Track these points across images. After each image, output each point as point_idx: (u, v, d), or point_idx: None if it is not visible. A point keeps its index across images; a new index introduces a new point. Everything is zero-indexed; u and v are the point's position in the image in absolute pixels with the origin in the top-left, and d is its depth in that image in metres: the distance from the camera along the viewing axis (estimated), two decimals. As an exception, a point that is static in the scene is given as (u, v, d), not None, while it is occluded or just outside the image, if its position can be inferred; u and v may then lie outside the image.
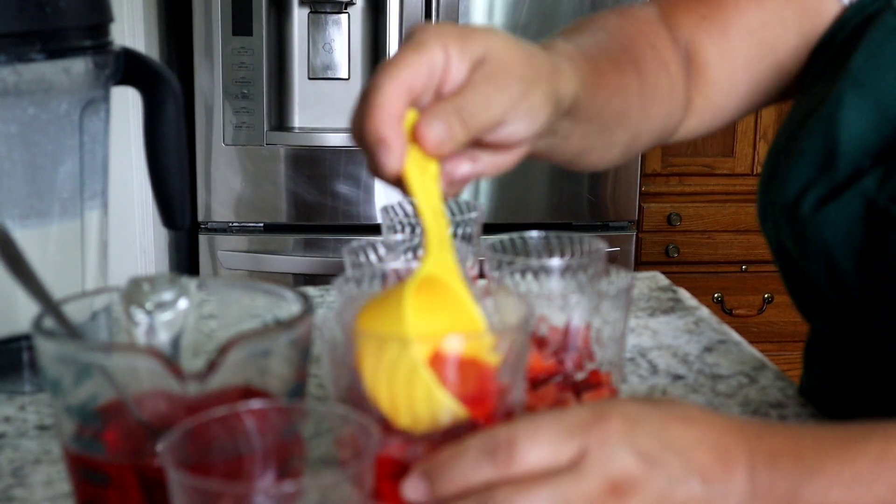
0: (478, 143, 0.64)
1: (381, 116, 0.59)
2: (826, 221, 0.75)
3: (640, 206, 2.42)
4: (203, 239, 2.30)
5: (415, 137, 0.60)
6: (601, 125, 0.77)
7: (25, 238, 0.78)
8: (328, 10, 2.28)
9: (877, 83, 0.76)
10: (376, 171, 0.60)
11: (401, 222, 0.92)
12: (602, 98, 0.75)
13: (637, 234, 2.44)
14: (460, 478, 0.52)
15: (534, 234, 0.85)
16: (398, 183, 0.61)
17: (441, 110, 0.60)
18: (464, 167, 0.64)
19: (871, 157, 0.74)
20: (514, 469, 0.52)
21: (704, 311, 1.06)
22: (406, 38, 0.63)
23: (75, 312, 0.63)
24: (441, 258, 0.61)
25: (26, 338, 0.82)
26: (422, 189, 0.61)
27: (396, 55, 0.62)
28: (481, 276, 0.85)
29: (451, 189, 0.64)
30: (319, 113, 2.35)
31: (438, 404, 0.56)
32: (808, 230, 0.77)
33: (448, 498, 0.52)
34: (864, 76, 0.76)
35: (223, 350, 0.56)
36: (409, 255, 0.87)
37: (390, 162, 0.59)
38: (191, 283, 0.65)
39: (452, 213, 0.94)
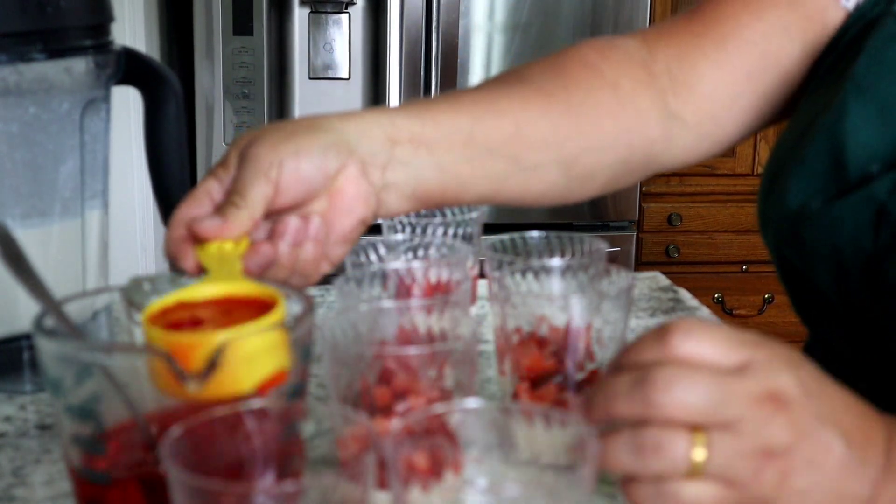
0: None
1: (169, 244, 0.68)
2: (834, 224, 0.75)
3: (640, 206, 2.42)
4: (203, 238, 2.30)
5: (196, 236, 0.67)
6: (488, 150, 0.77)
7: (26, 237, 0.78)
8: (329, 10, 2.28)
9: (880, 89, 0.76)
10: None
11: (401, 222, 0.92)
12: (463, 123, 0.76)
13: (637, 235, 2.44)
14: (628, 357, 0.55)
15: (534, 234, 0.85)
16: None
17: (215, 212, 0.68)
18: (292, 225, 0.69)
19: (879, 161, 0.74)
20: (681, 351, 0.53)
21: (705, 312, 1.06)
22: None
23: (76, 312, 0.63)
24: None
25: (27, 337, 0.82)
26: (219, 268, 0.66)
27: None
28: (482, 276, 0.86)
29: (311, 264, 0.70)
30: (320, 113, 2.35)
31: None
32: (815, 233, 0.76)
33: (613, 376, 0.54)
34: (868, 82, 0.76)
35: (223, 350, 0.56)
36: (410, 254, 0.87)
37: (186, 265, 0.67)
38: (191, 282, 0.65)
39: (453, 213, 0.94)
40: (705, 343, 0.53)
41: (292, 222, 0.69)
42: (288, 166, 0.68)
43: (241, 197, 0.68)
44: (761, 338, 0.56)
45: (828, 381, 0.57)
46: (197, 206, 0.69)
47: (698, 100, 0.86)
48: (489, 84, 0.83)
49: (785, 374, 0.54)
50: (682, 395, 0.51)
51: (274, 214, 0.70)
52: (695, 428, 0.52)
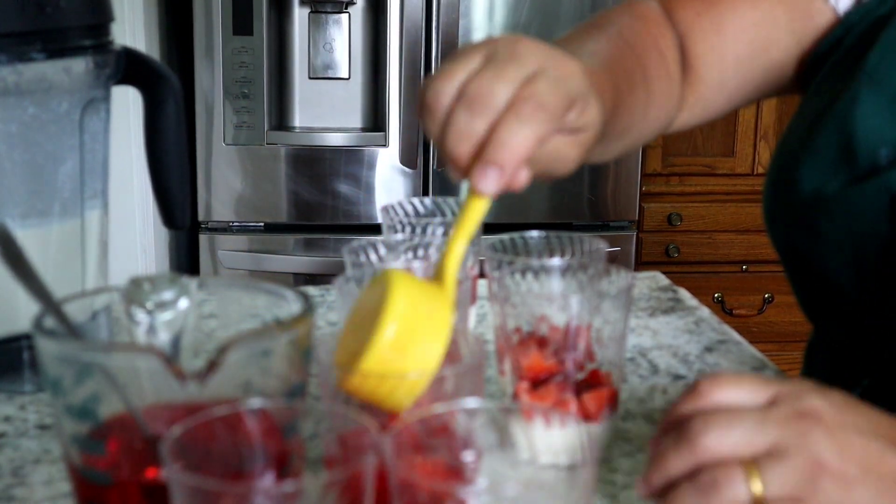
0: None
1: (455, 151, 0.64)
2: (850, 209, 0.77)
3: (640, 205, 2.42)
4: (203, 238, 2.30)
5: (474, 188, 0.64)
6: (608, 137, 0.77)
7: (26, 237, 0.78)
8: (329, 10, 2.28)
9: (892, 79, 0.78)
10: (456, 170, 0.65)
11: (401, 222, 0.92)
12: (610, 121, 0.76)
13: (637, 234, 2.44)
14: (667, 418, 0.57)
15: (534, 233, 0.85)
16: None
17: (484, 162, 0.64)
18: (522, 176, 0.66)
19: (889, 146, 0.76)
20: (712, 398, 0.56)
21: (705, 311, 1.06)
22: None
23: (76, 312, 0.63)
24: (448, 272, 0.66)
25: (27, 337, 0.82)
26: (470, 215, 0.66)
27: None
28: (482, 275, 0.86)
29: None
30: (320, 112, 2.35)
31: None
32: (831, 218, 0.77)
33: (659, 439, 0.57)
34: (881, 74, 0.78)
35: (223, 350, 0.56)
36: (409, 254, 0.87)
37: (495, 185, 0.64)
38: (191, 282, 0.65)
39: (453, 213, 0.94)
40: (733, 388, 0.56)
41: None
42: (553, 148, 0.68)
43: (513, 158, 0.63)
44: (787, 380, 0.58)
45: (856, 401, 0.57)
46: (450, 84, 0.65)
47: (696, 83, 0.90)
48: (616, 52, 0.82)
49: (813, 396, 0.55)
50: (721, 434, 0.53)
51: None
52: (747, 464, 0.53)
